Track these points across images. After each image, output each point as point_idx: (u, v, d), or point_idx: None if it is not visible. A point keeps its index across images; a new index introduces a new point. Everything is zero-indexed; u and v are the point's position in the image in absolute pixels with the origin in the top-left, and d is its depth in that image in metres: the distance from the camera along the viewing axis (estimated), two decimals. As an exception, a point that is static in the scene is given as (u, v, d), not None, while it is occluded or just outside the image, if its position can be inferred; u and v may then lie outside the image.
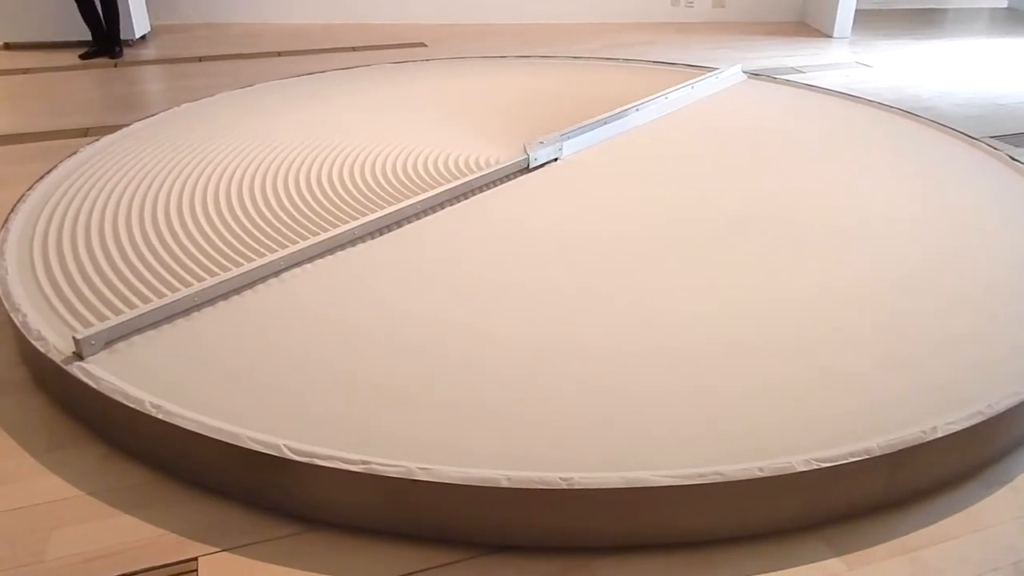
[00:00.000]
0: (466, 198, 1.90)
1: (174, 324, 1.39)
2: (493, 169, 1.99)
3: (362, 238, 1.68)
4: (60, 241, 1.73)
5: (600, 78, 2.95)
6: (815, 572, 1.07)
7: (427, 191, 1.86)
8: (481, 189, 1.94)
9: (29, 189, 2.00)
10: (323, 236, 1.63)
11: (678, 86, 2.68)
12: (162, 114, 2.57)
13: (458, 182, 1.90)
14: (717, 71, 2.91)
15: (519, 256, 1.67)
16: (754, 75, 3.04)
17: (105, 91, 3.08)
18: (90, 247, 1.70)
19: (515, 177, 2.04)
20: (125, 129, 2.42)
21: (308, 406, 1.22)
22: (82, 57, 3.47)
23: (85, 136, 2.58)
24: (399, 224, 1.75)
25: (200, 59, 3.53)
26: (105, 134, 2.41)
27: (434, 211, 1.83)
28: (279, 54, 3.63)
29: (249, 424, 1.17)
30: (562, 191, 1.99)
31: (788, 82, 2.98)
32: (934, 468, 1.19)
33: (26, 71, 3.33)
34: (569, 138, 2.20)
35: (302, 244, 1.60)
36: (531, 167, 2.08)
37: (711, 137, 2.36)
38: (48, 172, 2.10)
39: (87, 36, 3.55)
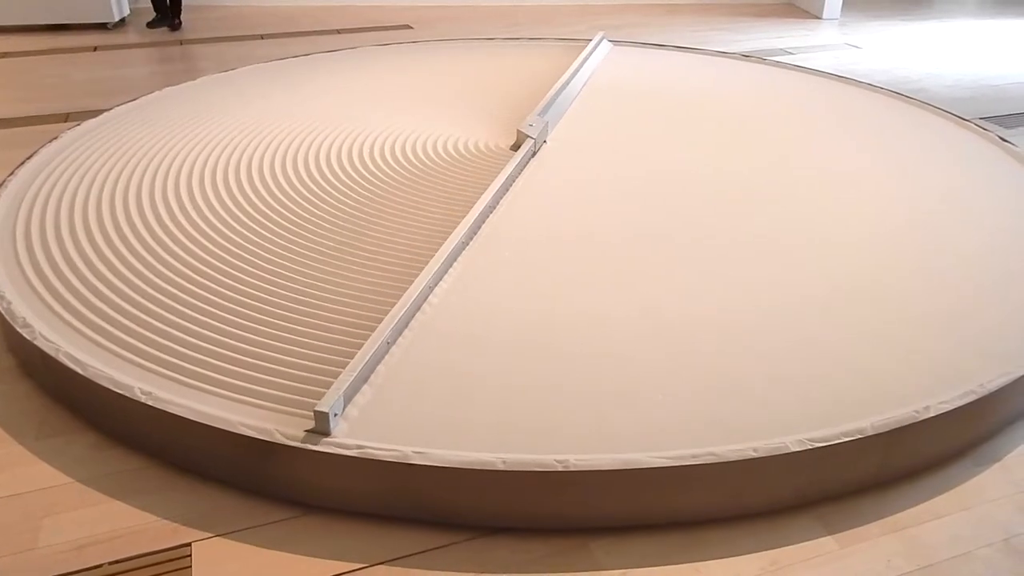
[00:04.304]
0: (506, 191, 1.86)
1: (376, 372, 1.24)
2: (518, 160, 1.95)
3: (466, 244, 1.61)
4: (43, 227, 1.70)
5: (567, 57, 2.93)
6: (809, 550, 1.08)
7: (483, 191, 1.80)
8: (512, 180, 1.90)
9: (10, 175, 1.96)
10: (443, 253, 1.52)
11: (582, 59, 2.73)
12: (144, 98, 2.52)
13: (502, 177, 1.84)
14: (591, 41, 3.00)
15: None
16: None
17: (84, 75, 3.02)
18: (74, 233, 1.67)
19: (527, 164, 2.01)
20: (106, 114, 2.37)
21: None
22: (149, 25, 3.62)
23: (65, 121, 2.53)
24: (478, 226, 1.68)
25: (181, 42, 3.46)
26: (86, 119, 2.36)
27: (494, 208, 1.78)
28: (262, 37, 3.57)
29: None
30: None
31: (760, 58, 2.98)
32: (926, 447, 1.20)
33: (3, 55, 3.25)
34: (546, 118, 2.19)
35: (434, 264, 1.48)
36: (536, 152, 2.07)
37: (679, 113, 2.35)
38: (29, 158, 2.06)
39: (66, 20, 3.49)
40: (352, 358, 1.25)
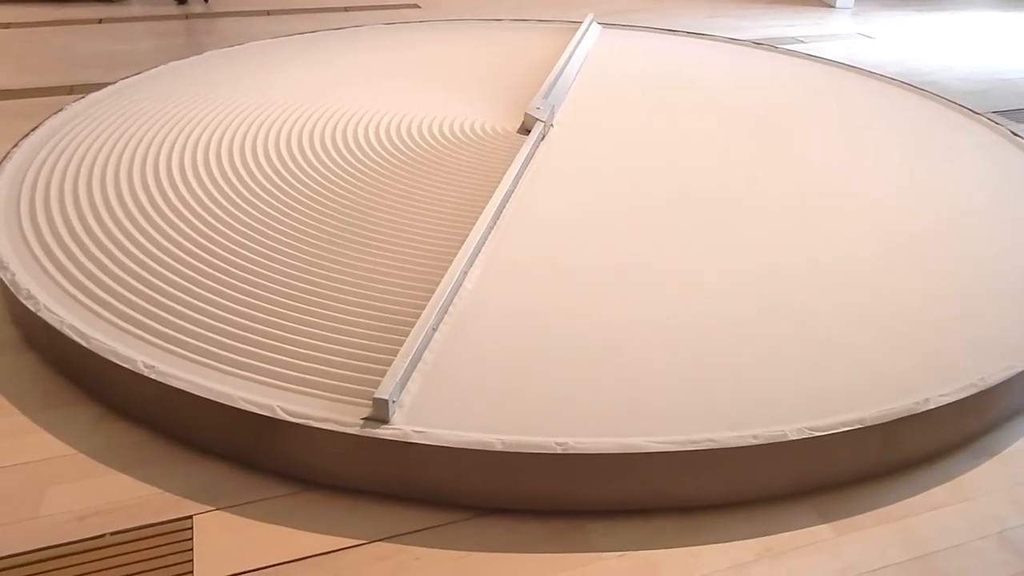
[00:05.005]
0: (522, 175, 1.85)
1: (424, 360, 1.24)
2: (532, 143, 1.94)
3: (493, 230, 1.60)
4: (48, 199, 1.70)
5: (562, 41, 2.91)
6: (804, 538, 1.09)
7: (502, 177, 1.77)
8: (528, 164, 1.89)
9: (14, 147, 1.95)
10: (474, 238, 1.50)
11: (576, 41, 2.72)
12: (149, 72, 2.50)
13: (518, 162, 1.83)
14: (582, 24, 2.99)
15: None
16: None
17: (89, 48, 3.00)
18: (79, 205, 1.67)
19: (538, 147, 2.00)
20: (111, 86, 2.36)
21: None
22: (178, 1, 3.63)
23: (70, 93, 2.52)
24: (501, 211, 1.67)
25: (187, 17, 3.44)
26: (91, 91, 2.35)
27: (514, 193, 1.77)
28: (268, 13, 3.54)
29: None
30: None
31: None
32: (925, 439, 1.20)
33: (6, 26, 3.23)
34: (551, 101, 2.18)
35: (466, 251, 1.46)
36: (546, 135, 2.06)
37: (686, 98, 2.33)
38: (33, 129, 2.05)
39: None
40: (375, 340, 1.25)
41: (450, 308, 1.36)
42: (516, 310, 1.37)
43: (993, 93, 2.83)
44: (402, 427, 1.10)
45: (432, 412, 1.13)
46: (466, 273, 1.44)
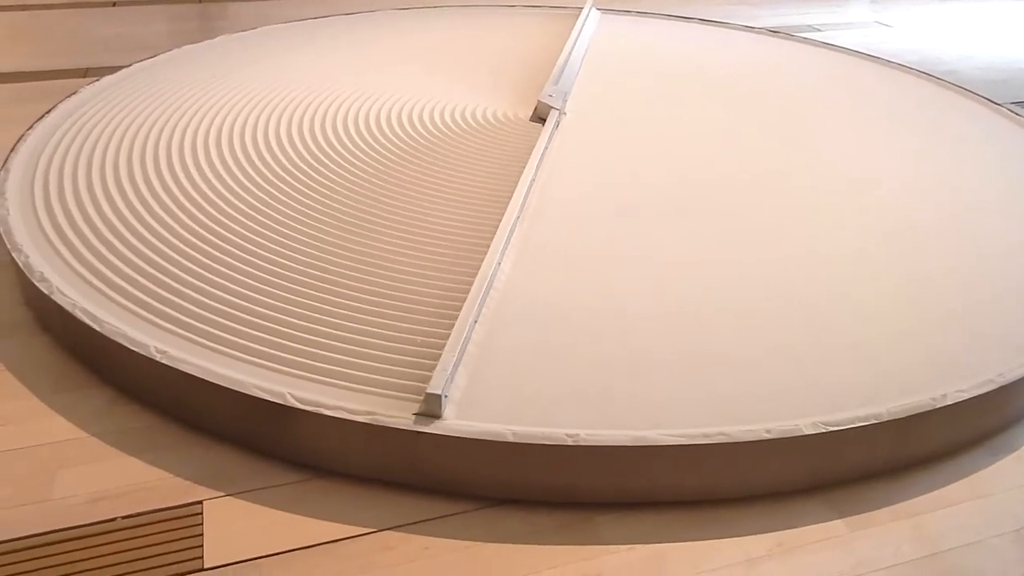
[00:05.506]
0: (539, 165, 1.82)
1: (467, 353, 1.21)
2: (549, 131, 1.92)
3: (520, 220, 1.58)
4: (62, 182, 1.70)
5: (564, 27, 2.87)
6: (817, 533, 1.08)
7: (525, 166, 1.76)
8: (546, 153, 1.87)
9: (29, 129, 1.96)
10: (503, 229, 1.48)
11: (579, 27, 2.70)
12: (163, 55, 2.50)
13: (539, 150, 1.82)
14: (582, 11, 2.95)
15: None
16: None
17: (103, 31, 3.00)
18: (92, 189, 1.67)
19: (553, 135, 1.98)
20: (125, 70, 2.36)
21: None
22: None
23: (84, 76, 2.52)
24: (527, 198, 1.65)
25: (200, 1, 3.43)
26: (105, 74, 2.35)
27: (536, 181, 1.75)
28: (282, -3, 3.53)
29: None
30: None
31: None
32: (941, 435, 1.19)
33: (21, 8, 3.23)
34: (563, 89, 2.15)
35: (499, 242, 1.44)
36: (559, 123, 2.03)
37: (697, 86, 2.30)
38: (48, 112, 2.05)
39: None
40: (395, 331, 1.24)
41: (487, 300, 1.33)
42: (537, 302, 1.36)
43: (1014, 83, 2.78)
44: (411, 417, 1.09)
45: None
46: (499, 264, 1.42)
